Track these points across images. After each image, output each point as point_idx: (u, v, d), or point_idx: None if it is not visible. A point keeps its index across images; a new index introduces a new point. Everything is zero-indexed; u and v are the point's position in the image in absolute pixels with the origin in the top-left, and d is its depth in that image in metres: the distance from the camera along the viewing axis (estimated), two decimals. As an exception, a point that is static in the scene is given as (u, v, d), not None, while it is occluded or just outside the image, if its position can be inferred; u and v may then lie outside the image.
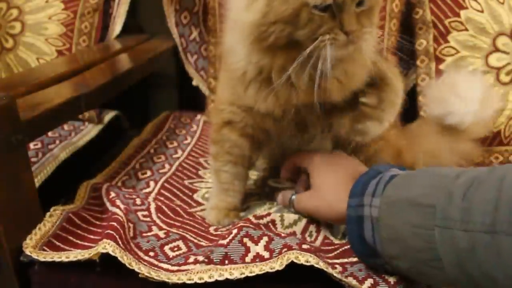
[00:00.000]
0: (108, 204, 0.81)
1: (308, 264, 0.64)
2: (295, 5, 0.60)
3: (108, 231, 0.70)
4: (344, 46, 0.63)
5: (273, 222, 0.80)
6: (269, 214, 0.81)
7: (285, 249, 0.67)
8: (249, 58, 0.68)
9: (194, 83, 1.37)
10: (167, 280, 0.64)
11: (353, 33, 0.62)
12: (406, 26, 1.24)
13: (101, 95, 0.97)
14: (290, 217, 0.81)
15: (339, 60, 0.66)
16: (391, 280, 0.67)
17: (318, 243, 0.78)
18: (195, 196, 0.93)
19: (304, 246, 0.68)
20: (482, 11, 1.17)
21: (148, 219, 0.81)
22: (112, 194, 0.83)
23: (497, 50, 1.15)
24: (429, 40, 1.20)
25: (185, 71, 1.37)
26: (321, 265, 0.64)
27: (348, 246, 0.75)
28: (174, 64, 1.41)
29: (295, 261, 0.64)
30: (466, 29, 1.17)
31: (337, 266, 0.70)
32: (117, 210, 0.77)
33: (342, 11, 0.61)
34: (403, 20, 1.24)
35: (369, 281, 0.67)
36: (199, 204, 0.91)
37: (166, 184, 0.95)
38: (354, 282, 0.66)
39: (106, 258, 0.66)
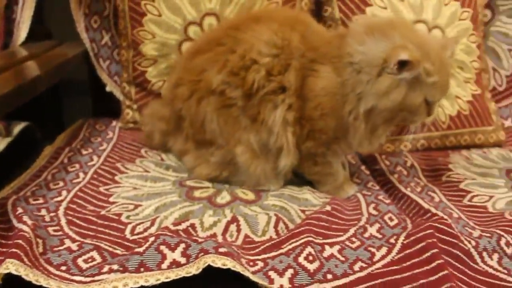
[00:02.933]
0: (14, 221, 0.77)
1: (225, 267, 0.65)
2: (421, 99, 0.86)
3: (12, 249, 0.66)
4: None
5: (192, 226, 0.80)
6: (187, 220, 0.81)
7: (202, 254, 0.67)
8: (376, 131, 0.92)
9: (107, 89, 1.33)
10: (78, 292, 0.62)
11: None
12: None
13: (5, 105, 0.92)
14: (209, 219, 0.82)
15: None
16: (311, 268, 0.69)
17: (239, 242, 0.79)
18: (111, 199, 0.91)
19: (221, 250, 0.68)
20: (385, 8, 1.22)
21: (59, 233, 0.78)
22: (19, 210, 0.79)
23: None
24: (339, 36, 1.24)
25: (98, 77, 1.33)
26: (238, 268, 0.65)
27: (270, 243, 0.77)
28: (86, 70, 1.36)
29: (212, 264, 0.65)
30: (372, 25, 1.22)
31: (258, 262, 0.72)
32: (24, 227, 0.73)
33: (434, 104, 0.89)
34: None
35: (289, 272, 0.69)
36: (115, 203, 0.89)
37: (79, 193, 0.91)
38: (274, 275, 0.68)
39: (14, 277, 0.62)
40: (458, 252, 0.76)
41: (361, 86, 0.86)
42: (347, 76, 0.88)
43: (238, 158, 0.94)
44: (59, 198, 0.89)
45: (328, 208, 0.87)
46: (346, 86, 0.88)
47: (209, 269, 0.65)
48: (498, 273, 0.74)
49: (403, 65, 0.83)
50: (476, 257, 0.76)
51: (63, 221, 0.81)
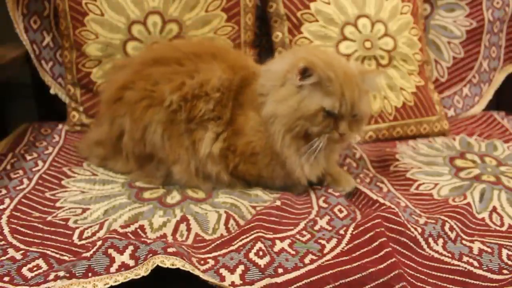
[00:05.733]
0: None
1: (174, 267, 0.64)
2: (316, 107, 0.87)
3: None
4: (335, 142, 0.91)
5: (141, 227, 0.79)
6: (136, 221, 0.80)
7: (150, 255, 0.66)
8: (283, 141, 0.91)
9: (52, 91, 1.29)
10: (22, 303, 0.60)
11: (344, 135, 0.89)
12: (262, 20, 1.29)
13: None
14: (159, 220, 0.81)
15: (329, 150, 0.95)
16: (261, 263, 0.70)
17: (190, 241, 0.79)
18: (57, 204, 0.88)
19: (170, 250, 0.67)
20: (329, 3, 1.24)
21: (2, 242, 0.75)
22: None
23: (345, 38, 1.24)
24: (284, 32, 1.25)
25: (41, 79, 1.28)
26: (188, 267, 0.65)
27: (220, 240, 0.77)
28: (29, 73, 1.31)
29: (160, 265, 0.64)
30: (317, 20, 1.24)
31: (209, 260, 0.71)
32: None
33: (341, 119, 0.88)
34: (258, 14, 1.28)
35: (240, 268, 0.70)
36: (62, 208, 0.87)
37: (23, 200, 0.88)
38: (225, 272, 0.68)
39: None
40: (405, 240, 0.78)
41: (266, 97, 0.91)
42: (260, 107, 0.92)
43: (174, 176, 0.95)
44: (1, 207, 0.85)
45: (278, 203, 0.87)
46: (263, 119, 0.91)
47: (160, 270, 0.65)
48: (443, 257, 0.76)
49: (304, 73, 0.87)
50: (423, 243, 0.79)
51: (6, 230, 0.78)
